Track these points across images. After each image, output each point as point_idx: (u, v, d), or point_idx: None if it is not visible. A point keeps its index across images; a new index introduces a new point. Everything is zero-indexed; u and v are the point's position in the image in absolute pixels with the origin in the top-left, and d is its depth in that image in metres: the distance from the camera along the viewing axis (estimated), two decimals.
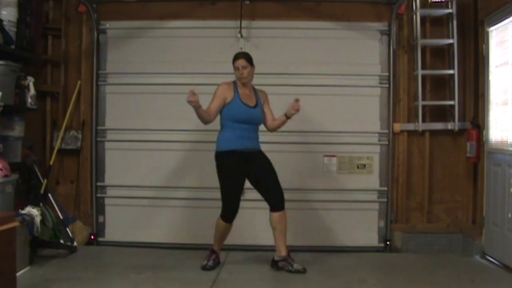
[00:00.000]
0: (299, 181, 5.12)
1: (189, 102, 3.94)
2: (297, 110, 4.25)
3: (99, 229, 5.26)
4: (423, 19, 5.15)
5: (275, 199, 4.28)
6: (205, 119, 4.20)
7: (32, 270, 4.15)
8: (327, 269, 4.42)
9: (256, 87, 4.46)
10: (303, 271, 4.24)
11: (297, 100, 4.26)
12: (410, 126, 5.20)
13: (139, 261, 4.57)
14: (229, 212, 4.29)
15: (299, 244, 4.82)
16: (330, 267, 4.47)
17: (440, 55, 5.22)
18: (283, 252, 4.28)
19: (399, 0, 4.96)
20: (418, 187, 5.23)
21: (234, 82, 4.36)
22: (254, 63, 4.35)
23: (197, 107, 4.02)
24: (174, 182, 5.20)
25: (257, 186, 4.36)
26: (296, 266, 4.26)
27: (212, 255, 4.40)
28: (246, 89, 4.34)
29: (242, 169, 4.25)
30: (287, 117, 4.30)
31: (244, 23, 5.11)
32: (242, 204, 4.86)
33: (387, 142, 5.21)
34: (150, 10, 5.24)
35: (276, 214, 4.26)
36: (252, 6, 5.18)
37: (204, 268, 4.32)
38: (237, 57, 4.33)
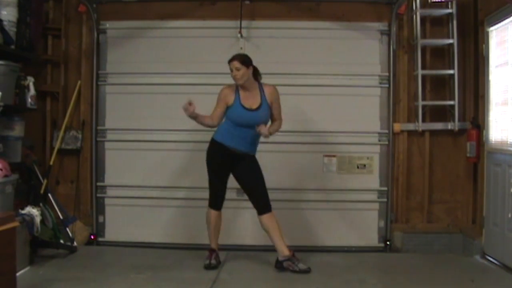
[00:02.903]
0: (299, 181, 5.12)
1: (184, 111, 4.03)
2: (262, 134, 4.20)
3: (99, 229, 5.26)
4: (423, 19, 5.15)
5: (257, 204, 4.33)
6: (208, 124, 4.26)
7: (32, 270, 4.15)
8: (327, 269, 4.42)
9: (266, 82, 4.37)
10: (308, 270, 4.24)
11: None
12: (410, 126, 5.20)
13: (139, 261, 4.57)
14: (213, 198, 4.38)
15: (299, 244, 4.81)
16: (330, 267, 4.47)
17: (440, 55, 5.22)
18: (285, 252, 4.28)
19: (399, 0, 4.96)
20: (418, 187, 5.23)
21: (237, 85, 4.31)
22: (254, 63, 4.31)
23: (193, 117, 4.10)
24: (174, 182, 5.20)
25: (241, 186, 4.42)
26: (301, 266, 4.27)
27: (213, 254, 4.40)
28: (249, 90, 4.27)
29: (226, 163, 4.31)
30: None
31: (244, 23, 5.11)
32: (241, 204, 4.89)
33: (387, 142, 5.21)
34: (150, 10, 5.24)
35: (262, 217, 4.31)
36: (252, 6, 5.18)
37: (208, 267, 4.32)
38: (230, 59, 4.25)
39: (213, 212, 4.40)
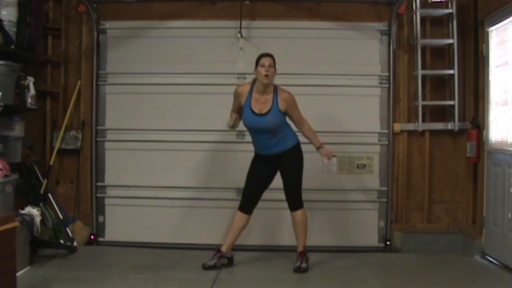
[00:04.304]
0: None
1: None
2: (328, 158, 4.36)
3: (99, 229, 5.26)
4: (423, 19, 5.15)
5: (288, 201, 4.37)
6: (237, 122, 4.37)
7: (32, 270, 4.15)
8: (327, 269, 4.42)
9: (283, 87, 4.35)
10: (301, 271, 4.26)
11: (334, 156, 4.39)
12: (410, 126, 5.20)
13: (139, 261, 4.57)
14: (243, 201, 4.37)
15: None
16: (330, 267, 4.48)
17: (440, 55, 5.22)
18: (298, 248, 4.36)
19: (399, 0, 4.96)
20: (418, 187, 5.23)
21: (252, 84, 4.28)
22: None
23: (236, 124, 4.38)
24: (174, 182, 5.19)
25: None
26: (297, 264, 4.29)
27: (216, 254, 4.37)
28: (263, 93, 4.21)
29: (266, 164, 4.31)
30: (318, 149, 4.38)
31: (244, 23, 5.11)
32: None
33: (387, 142, 5.21)
34: (150, 10, 5.24)
35: (292, 214, 4.37)
36: (252, 6, 5.18)
37: (203, 266, 4.31)
38: (264, 54, 4.24)
39: (238, 213, 4.37)
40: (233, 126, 4.38)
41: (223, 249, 4.38)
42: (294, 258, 4.38)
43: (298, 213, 4.33)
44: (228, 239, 4.40)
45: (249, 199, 4.36)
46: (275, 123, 4.20)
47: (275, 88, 4.26)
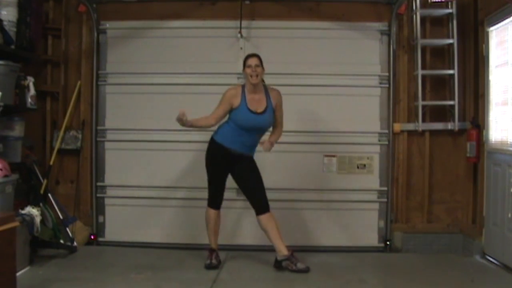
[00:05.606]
0: (299, 181, 5.12)
1: (179, 122, 4.01)
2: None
3: (99, 229, 5.26)
4: (423, 19, 5.15)
5: (256, 203, 4.31)
6: (203, 126, 4.24)
7: (32, 270, 4.15)
8: (327, 269, 4.42)
9: (272, 86, 4.40)
10: (307, 270, 4.24)
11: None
12: (410, 126, 5.20)
13: (139, 261, 4.57)
14: (213, 198, 4.39)
15: (299, 244, 4.82)
16: (330, 267, 4.47)
17: (440, 55, 5.22)
18: (284, 251, 4.28)
19: (399, 0, 4.96)
20: (418, 187, 5.23)
21: (243, 86, 4.30)
22: None
23: (186, 125, 4.07)
24: (174, 182, 5.20)
25: (240, 186, 4.42)
26: (299, 265, 4.26)
27: (213, 253, 4.41)
28: (256, 93, 4.25)
29: (226, 164, 4.30)
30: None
31: (244, 23, 5.11)
32: (241, 204, 4.89)
33: (387, 142, 5.21)
34: (150, 10, 5.24)
35: (261, 217, 4.29)
36: (252, 6, 5.18)
37: (209, 266, 4.32)
38: (250, 55, 4.30)
39: (213, 212, 4.41)
40: (196, 126, 4.22)
41: (214, 246, 4.46)
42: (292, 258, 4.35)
43: (269, 215, 4.27)
44: (214, 237, 4.46)
45: (220, 195, 4.41)
46: (271, 121, 4.29)
47: (265, 87, 4.32)
